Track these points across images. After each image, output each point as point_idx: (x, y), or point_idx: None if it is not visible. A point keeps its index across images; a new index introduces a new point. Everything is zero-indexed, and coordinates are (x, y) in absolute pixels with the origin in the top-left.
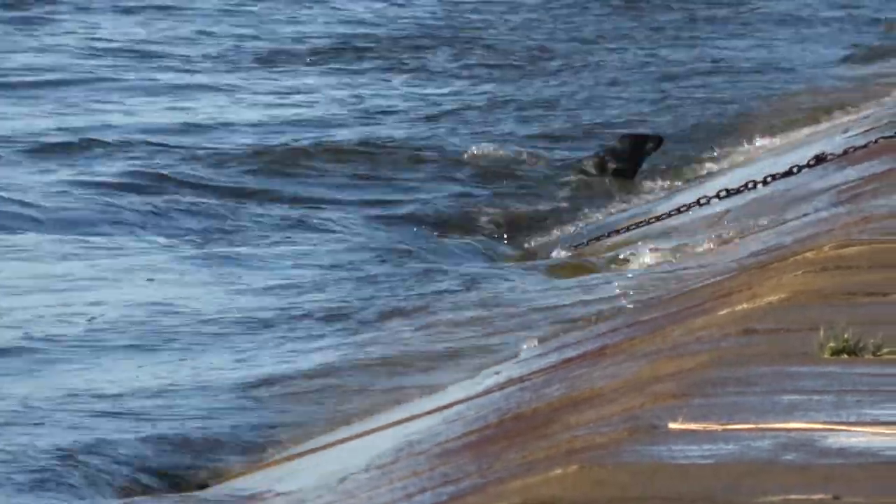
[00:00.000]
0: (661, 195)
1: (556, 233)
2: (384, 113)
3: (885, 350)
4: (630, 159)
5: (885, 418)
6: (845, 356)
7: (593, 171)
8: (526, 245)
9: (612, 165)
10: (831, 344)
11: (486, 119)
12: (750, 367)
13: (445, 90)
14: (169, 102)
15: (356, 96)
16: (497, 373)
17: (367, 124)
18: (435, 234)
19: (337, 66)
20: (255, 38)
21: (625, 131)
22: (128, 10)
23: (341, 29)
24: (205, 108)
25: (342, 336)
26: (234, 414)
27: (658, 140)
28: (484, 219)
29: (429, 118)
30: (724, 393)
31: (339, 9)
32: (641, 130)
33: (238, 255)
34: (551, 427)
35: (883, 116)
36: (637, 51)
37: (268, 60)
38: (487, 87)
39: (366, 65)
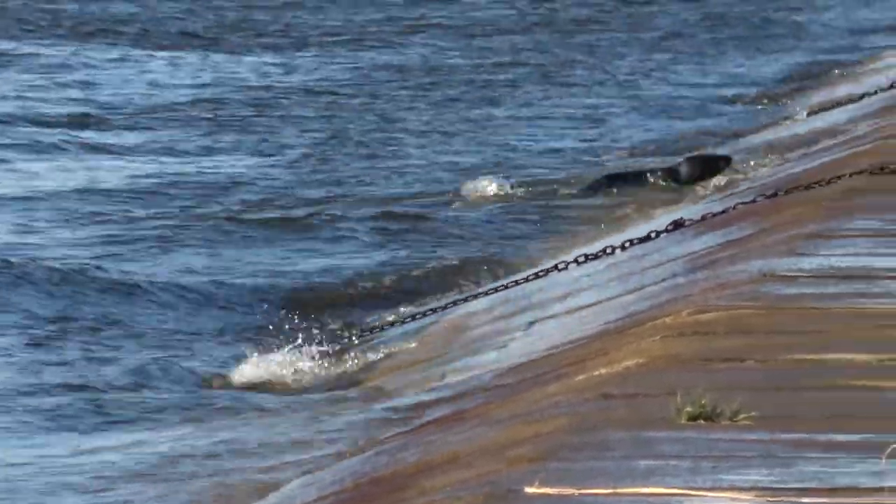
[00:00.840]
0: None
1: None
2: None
3: (741, 416)
4: (700, 179)
5: (742, 484)
6: (702, 421)
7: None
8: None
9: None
10: (688, 409)
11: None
12: (607, 432)
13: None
14: None
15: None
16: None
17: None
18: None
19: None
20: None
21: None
22: None
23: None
24: None
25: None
26: None
27: (728, 160)
28: None
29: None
30: (581, 457)
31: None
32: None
33: None
34: (408, 492)
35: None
36: None
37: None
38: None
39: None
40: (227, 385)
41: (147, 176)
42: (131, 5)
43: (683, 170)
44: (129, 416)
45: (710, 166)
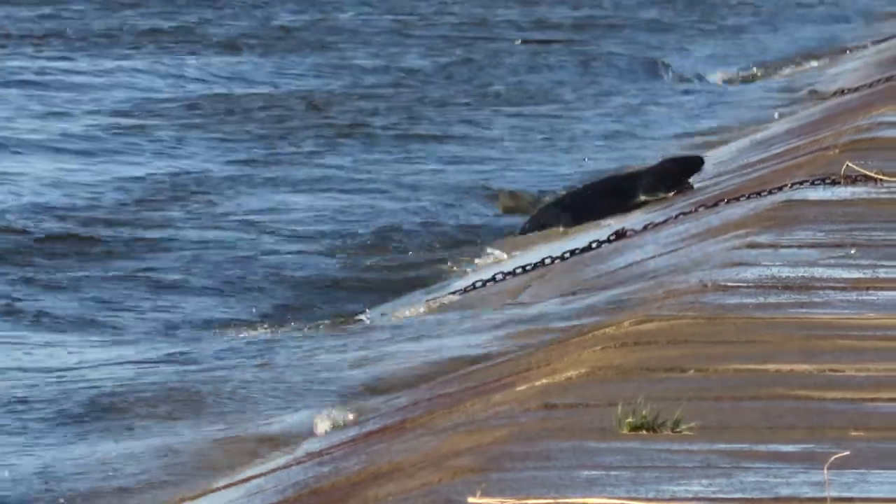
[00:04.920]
0: (463, 269)
1: None
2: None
3: (683, 426)
4: (676, 181)
5: (683, 494)
6: (644, 432)
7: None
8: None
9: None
10: (630, 420)
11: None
12: (549, 442)
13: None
14: None
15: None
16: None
17: None
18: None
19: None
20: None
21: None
22: None
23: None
24: None
25: None
26: None
27: (700, 161)
28: None
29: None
30: (523, 468)
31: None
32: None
33: None
34: (350, 502)
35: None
36: None
37: None
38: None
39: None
40: None
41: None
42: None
43: (646, 180)
44: None
45: (682, 169)
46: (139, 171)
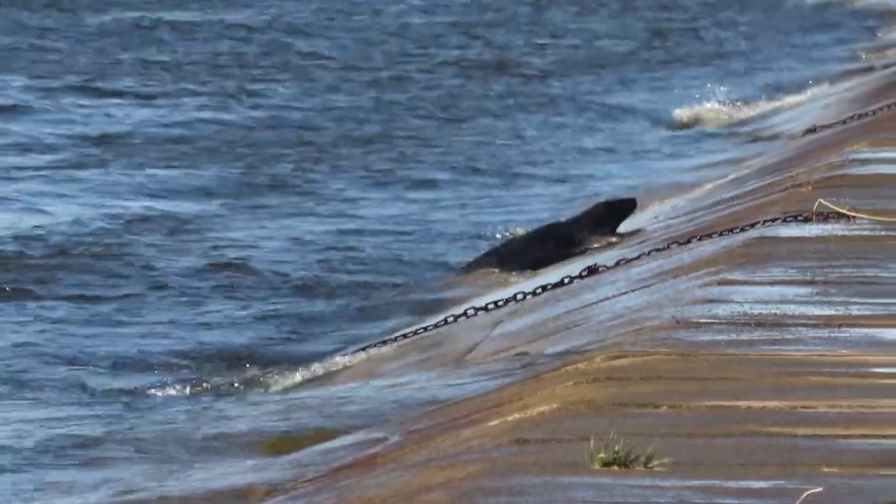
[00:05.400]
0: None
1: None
2: None
3: (655, 462)
4: (610, 224)
5: None
6: (616, 467)
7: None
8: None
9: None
10: (602, 455)
11: None
12: (521, 477)
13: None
14: None
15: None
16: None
17: None
18: None
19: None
20: None
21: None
22: None
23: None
24: None
25: None
26: None
27: (633, 203)
28: None
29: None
30: (495, 503)
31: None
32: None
33: None
34: None
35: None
36: None
37: None
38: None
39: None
40: None
41: None
42: None
43: (582, 226)
44: None
45: (615, 212)
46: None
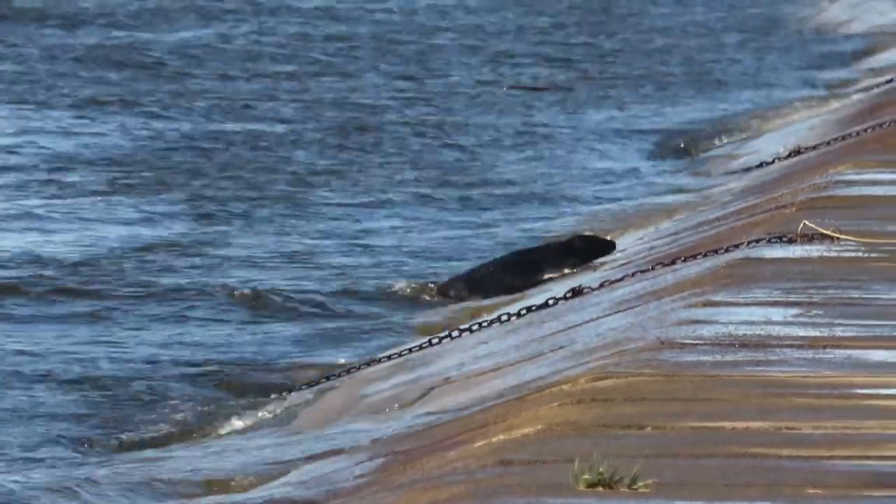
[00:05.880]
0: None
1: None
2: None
3: (640, 483)
4: (583, 259)
5: None
6: (601, 488)
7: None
8: None
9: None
10: (586, 476)
11: None
12: (506, 499)
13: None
14: None
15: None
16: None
17: None
18: None
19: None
20: None
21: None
22: None
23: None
24: None
25: None
26: None
27: (612, 246)
28: None
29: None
30: None
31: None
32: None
33: None
34: None
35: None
36: None
37: None
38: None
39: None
40: None
41: None
42: None
43: (577, 246)
44: None
45: (591, 249)
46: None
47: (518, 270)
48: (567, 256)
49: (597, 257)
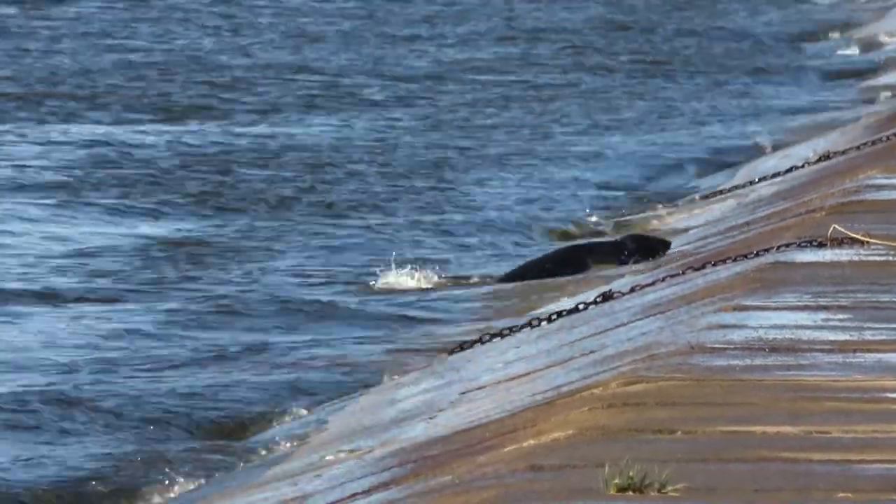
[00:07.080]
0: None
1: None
2: None
3: (669, 487)
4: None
5: None
6: (631, 493)
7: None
8: None
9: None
10: (616, 481)
11: None
12: (535, 503)
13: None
14: None
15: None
16: None
17: None
18: None
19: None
20: None
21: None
22: None
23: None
24: None
25: None
26: None
27: (667, 244)
28: None
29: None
30: None
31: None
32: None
33: None
34: None
35: None
36: None
37: None
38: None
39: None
40: None
41: None
42: None
43: (630, 246)
44: None
45: (651, 247)
46: None
47: (569, 266)
48: (618, 254)
49: (652, 257)
